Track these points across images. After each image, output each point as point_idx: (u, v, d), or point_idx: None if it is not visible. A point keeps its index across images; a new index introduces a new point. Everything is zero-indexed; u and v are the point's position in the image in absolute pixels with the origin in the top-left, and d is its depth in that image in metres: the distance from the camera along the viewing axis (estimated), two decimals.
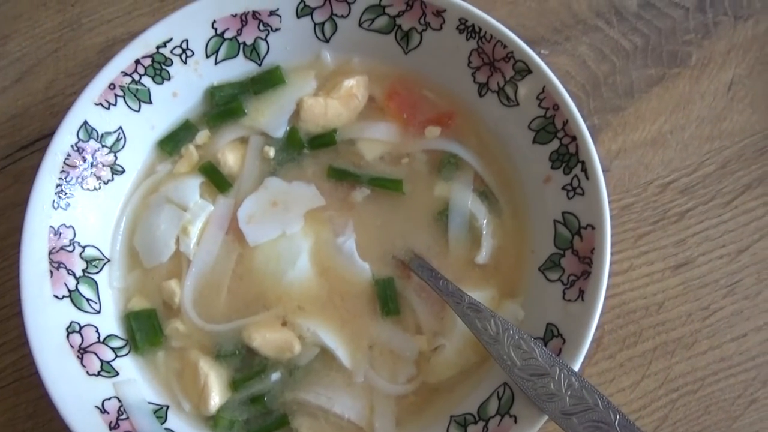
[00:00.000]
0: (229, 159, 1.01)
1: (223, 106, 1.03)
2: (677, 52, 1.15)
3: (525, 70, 0.95)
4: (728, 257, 1.07)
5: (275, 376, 0.95)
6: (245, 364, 0.95)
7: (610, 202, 1.06)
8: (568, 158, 0.92)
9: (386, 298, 0.96)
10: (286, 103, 1.03)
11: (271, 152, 1.02)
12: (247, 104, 1.03)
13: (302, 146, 1.02)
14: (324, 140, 1.03)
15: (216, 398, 0.93)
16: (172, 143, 1.02)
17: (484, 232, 0.98)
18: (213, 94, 1.03)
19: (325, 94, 1.03)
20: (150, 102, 0.99)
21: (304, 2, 0.99)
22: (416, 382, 0.95)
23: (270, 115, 1.03)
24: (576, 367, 0.85)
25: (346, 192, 1.01)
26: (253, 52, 1.03)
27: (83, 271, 0.94)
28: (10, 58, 1.16)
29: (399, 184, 1.00)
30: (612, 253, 1.04)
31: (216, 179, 1.01)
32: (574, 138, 0.92)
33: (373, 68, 1.05)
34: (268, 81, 1.03)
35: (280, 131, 1.02)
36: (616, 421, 0.78)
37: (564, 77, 1.13)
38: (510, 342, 0.85)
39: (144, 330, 0.96)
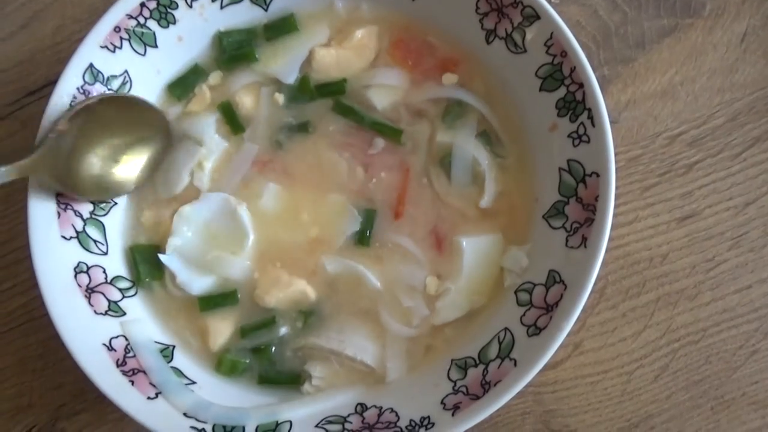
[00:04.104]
0: (246, 102, 1.02)
1: (235, 51, 1.03)
2: (691, 2, 1.13)
3: (533, 15, 0.93)
4: (735, 210, 1.07)
5: (284, 329, 0.97)
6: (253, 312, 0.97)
7: (617, 153, 1.08)
8: (575, 106, 0.92)
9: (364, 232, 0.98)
10: (299, 51, 1.03)
11: (281, 99, 1.02)
12: (259, 50, 1.03)
13: (313, 94, 1.03)
14: (334, 88, 1.02)
15: (219, 338, 0.95)
16: (181, 87, 1.03)
17: (488, 177, 0.98)
18: (221, 39, 1.02)
19: (337, 45, 1.03)
20: (156, 46, 0.99)
21: None
22: (426, 324, 0.96)
23: (282, 62, 1.03)
24: (576, 314, 0.86)
25: (365, 145, 1.02)
26: None
27: (90, 213, 0.95)
28: (16, 3, 1.16)
29: (399, 133, 1.00)
30: (618, 205, 1.06)
31: (232, 120, 1.02)
32: (581, 85, 0.91)
33: (382, 16, 1.04)
34: (281, 28, 1.03)
35: (291, 78, 1.02)
36: None
37: (574, 27, 1.11)
38: None
39: (147, 263, 0.97)
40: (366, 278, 0.96)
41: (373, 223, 0.98)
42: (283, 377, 0.96)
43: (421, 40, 1.03)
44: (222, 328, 0.96)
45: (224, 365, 0.95)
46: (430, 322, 0.96)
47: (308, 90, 1.02)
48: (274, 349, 0.96)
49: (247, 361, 0.96)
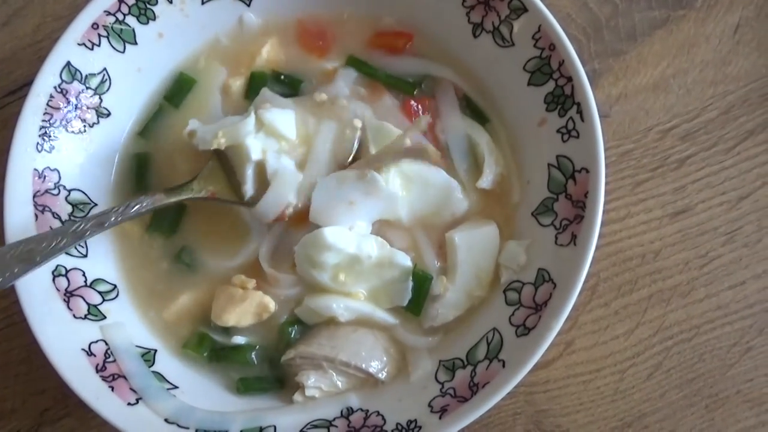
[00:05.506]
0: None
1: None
2: None
3: (521, 8, 0.91)
4: (728, 204, 1.05)
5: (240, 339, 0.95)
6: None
7: (609, 148, 1.06)
8: (564, 100, 0.90)
9: None
10: (210, 96, 1.01)
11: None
12: (173, 117, 1.01)
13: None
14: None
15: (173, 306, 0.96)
16: None
17: (487, 157, 0.96)
18: (138, 156, 1.01)
19: (247, 70, 1.02)
20: (135, 43, 0.97)
21: None
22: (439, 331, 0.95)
23: (204, 111, 1.01)
24: (565, 314, 0.84)
25: None
26: None
27: (69, 214, 0.93)
28: None
29: (411, 87, 1.00)
30: (609, 200, 1.04)
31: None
32: (570, 79, 0.89)
33: (273, 23, 1.03)
34: (180, 88, 1.02)
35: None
36: None
37: (564, 20, 1.09)
38: None
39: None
40: (382, 320, 0.94)
41: (428, 290, 0.94)
42: (264, 383, 0.94)
43: (319, 23, 1.03)
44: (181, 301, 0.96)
45: (191, 341, 0.95)
46: (430, 324, 0.94)
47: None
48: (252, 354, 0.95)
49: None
